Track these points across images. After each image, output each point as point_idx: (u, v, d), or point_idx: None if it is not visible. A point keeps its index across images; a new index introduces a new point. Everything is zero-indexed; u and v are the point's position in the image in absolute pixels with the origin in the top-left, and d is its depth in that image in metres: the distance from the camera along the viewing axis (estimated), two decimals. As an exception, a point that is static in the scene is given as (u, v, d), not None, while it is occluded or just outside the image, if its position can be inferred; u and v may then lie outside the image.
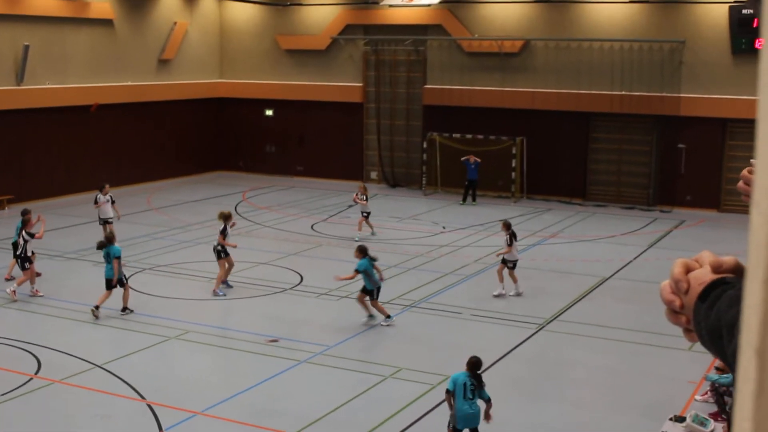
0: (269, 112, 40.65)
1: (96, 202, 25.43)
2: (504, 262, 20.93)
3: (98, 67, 35.69)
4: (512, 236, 20.87)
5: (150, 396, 14.84)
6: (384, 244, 26.51)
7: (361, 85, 38.59)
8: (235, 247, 21.41)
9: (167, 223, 29.59)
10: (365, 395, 15.02)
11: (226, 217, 21.67)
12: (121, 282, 19.43)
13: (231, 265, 21.42)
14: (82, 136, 35.29)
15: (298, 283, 22.12)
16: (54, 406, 14.68)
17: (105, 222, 25.41)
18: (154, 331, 18.26)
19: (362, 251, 18.96)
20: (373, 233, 27.56)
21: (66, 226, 28.88)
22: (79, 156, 35.18)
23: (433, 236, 27.87)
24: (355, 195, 27.91)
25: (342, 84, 38.87)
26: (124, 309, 19.36)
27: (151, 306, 20.09)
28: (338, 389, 15.30)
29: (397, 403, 14.60)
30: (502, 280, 20.81)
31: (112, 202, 25.48)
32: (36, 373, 15.91)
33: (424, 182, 36.53)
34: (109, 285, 19.22)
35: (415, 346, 17.74)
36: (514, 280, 20.98)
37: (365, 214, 27.61)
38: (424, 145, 36.41)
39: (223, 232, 21.22)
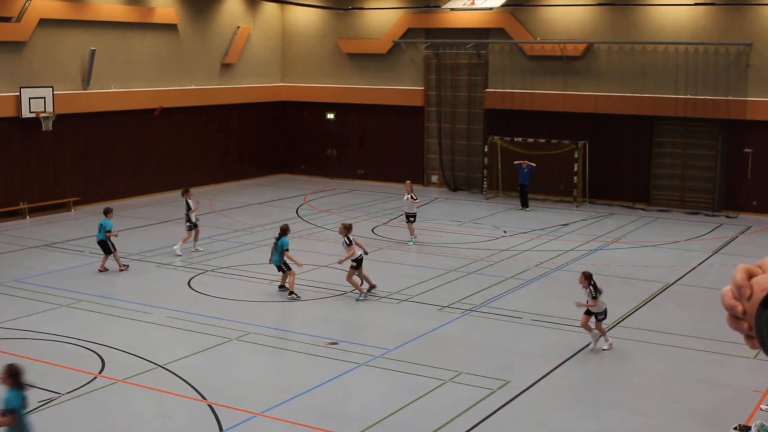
0: (330, 116, 40.83)
1: (190, 208, 25.54)
2: (588, 313, 17.60)
3: (162, 71, 36.16)
4: (595, 288, 17.50)
5: (211, 396, 14.98)
6: (444, 248, 26.47)
7: (422, 88, 38.59)
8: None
9: (229, 225, 29.85)
10: (424, 399, 14.99)
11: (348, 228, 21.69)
12: (287, 266, 21.18)
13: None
14: (147, 139, 35.79)
15: (358, 286, 22.16)
16: (116, 404, 14.88)
17: (195, 225, 25.71)
18: (215, 332, 18.42)
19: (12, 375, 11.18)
20: (412, 240, 27.13)
21: (130, 228, 29.27)
22: (144, 159, 35.67)
23: (493, 240, 27.74)
24: (410, 198, 26.99)
25: (403, 87, 38.90)
26: (291, 293, 21.04)
27: (213, 307, 20.28)
28: (397, 393, 15.29)
29: (456, 408, 14.55)
30: (590, 330, 17.72)
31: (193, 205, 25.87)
32: (100, 372, 16.14)
33: (485, 186, 36.39)
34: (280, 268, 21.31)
35: (475, 351, 17.67)
36: (602, 332, 17.71)
37: (411, 219, 27.02)
38: (486, 149, 36.27)
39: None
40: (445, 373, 16.14)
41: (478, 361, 16.93)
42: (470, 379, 15.91)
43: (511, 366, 16.70)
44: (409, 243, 26.96)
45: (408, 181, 28.24)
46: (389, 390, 15.49)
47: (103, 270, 23.44)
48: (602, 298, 17.50)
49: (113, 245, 23.59)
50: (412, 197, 26.86)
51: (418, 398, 15.00)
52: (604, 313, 17.65)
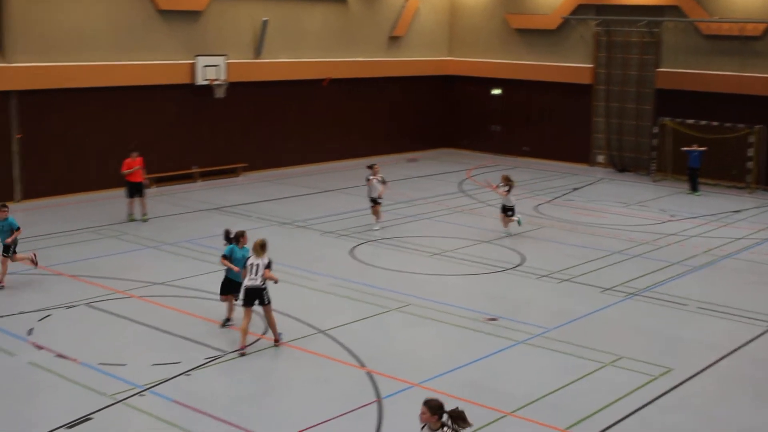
0: (496, 91, 40.49)
1: (368, 180, 25.19)
2: None
3: (331, 43, 36.62)
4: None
5: (369, 364, 15.15)
6: (608, 230, 25.93)
7: (591, 66, 37.75)
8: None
9: (391, 197, 30.03)
10: (583, 381, 14.76)
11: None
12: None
13: None
14: (314, 109, 36.38)
15: (520, 264, 21.98)
16: (277, 366, 15.25)
17: (374, 201, 25.13)
18: (376, 302, 18.63)
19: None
20: (508, 233, 24.86)
21: (294, 196, 29.92)
22: (310, 128, 36.29)
23: (660, 224, 26.99)
24: (494, 185, 25.50)
25: (571, 65, 38.17)
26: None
27: (374, 277, 20.50)
28: (555, 373, 15.10)
29: (615, 392, 14.26)
30: None
31: (383, 182, 25.13)
32: (263, 333, 16.56)
33: (653, 168, 35.42)
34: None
35: (637, 336, 17.26)
36: None
37: (510, 213, 24.77)
38: (655, 130, 35.27)
39: None
40: (605, 356, 15.83)
41: (640, 347, 16.53)
42: (631, 364, 15.56)
43: (673, 353, 16.25)
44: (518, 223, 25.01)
45: (504, 174, 25.76)
46: (547, 369, 15.32)
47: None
48: None
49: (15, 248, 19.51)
50: (503, 188, 24.80)
51: (577, 380, 14.78)
52: None
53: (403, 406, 13.55)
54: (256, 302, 15.63)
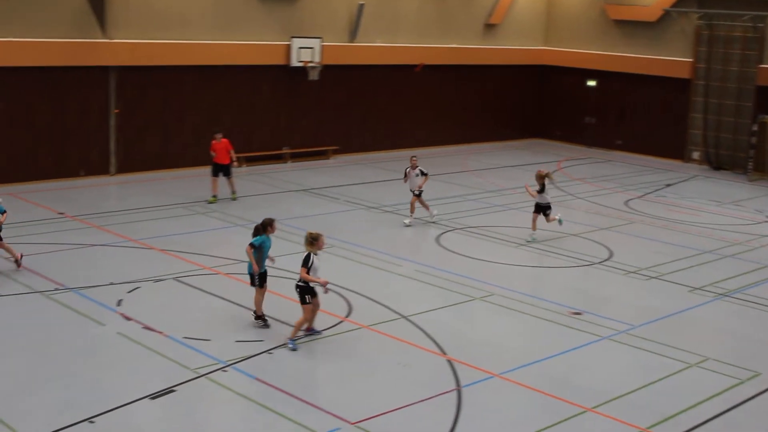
0: (592, 83, 39.93)
1: (405, 176, 24.22)
2: None
3: (426, 29, 36.53)
4: None
5: (450, 352, 15.12)
6: (701, 228, 25.40)
7: (690, 60, 36.93)
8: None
9: (481, 185, 29.92)
10: (666, 381, 14.49)
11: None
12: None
13: None
14: (406, 94, 36.36)
15: (607, 259, 21.67)
16: (359, 348, 15.30)
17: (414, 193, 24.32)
18: (460, 290, 18.56)
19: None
20: (532, 238, 23.11)
21: (383, 180, 29.97)
22: (402, 113, 36.30)
23: (754, 225, 26.33)
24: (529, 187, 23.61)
25: (670, 58, 37.38)
26: (258, 317, 16.31)
27: (459, 265, 20.43)
28: (639, 371, 14.86)
29: (700, 394, 13.96)
30: None
31: (424, 175, 23.89)
32: (346, 316, 16.66)
33: (750, 167, 34.55)
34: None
35: (725, 338, 16.89)
36: None
37: (547, 212, 23.01)
38: (754, 128, 34.38)
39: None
40: (691, 357, 15.52)
41: (728, 349, 16.17)
42: (717, 366, 15.22)
43: (763, 357, 15.83)
44: (530, 238, 23.10)
45: (539, 171, 23.58)
46: (630, 367, 15.09)
47: None
48: None
49: None
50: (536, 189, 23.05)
51: (660, 379, 14.52)
52: None
53: (482, 396, 13.49)
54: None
